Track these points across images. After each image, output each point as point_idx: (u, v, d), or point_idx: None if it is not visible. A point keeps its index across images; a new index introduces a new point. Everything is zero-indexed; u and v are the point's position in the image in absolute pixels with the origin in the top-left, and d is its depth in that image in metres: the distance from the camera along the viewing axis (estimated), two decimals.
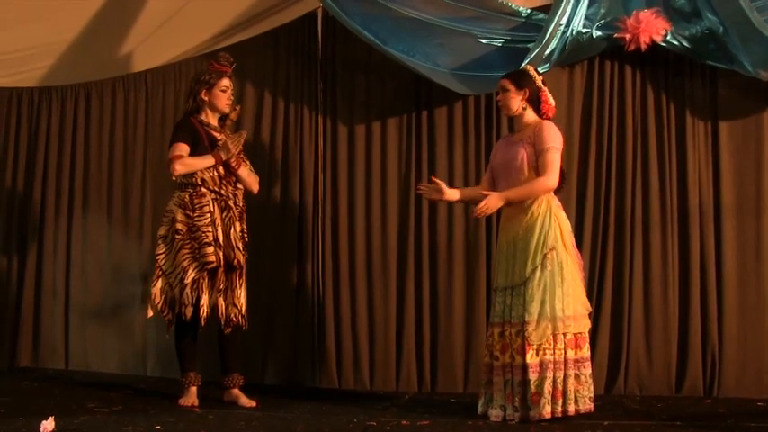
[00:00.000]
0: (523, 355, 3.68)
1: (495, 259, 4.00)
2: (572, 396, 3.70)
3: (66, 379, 4.91)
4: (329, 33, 4.90)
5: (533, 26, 4.50)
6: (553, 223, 3.76)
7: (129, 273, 5.15)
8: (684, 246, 4.54)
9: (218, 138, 4.12)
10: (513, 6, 4.58)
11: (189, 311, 3.98)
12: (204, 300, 3.99)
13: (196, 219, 4.01)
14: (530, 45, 4.41)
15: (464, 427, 3.55)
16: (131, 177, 5.19)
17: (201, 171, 4.05)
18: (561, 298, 3.70)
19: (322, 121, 4.93)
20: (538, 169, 3.78)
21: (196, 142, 4.06)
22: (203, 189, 4.04)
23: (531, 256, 3.72)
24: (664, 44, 4.46)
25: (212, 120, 4.18)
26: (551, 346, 3.68)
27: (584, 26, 4.43)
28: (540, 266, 3.71)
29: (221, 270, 4.03)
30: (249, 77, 4.99)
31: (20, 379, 4.85)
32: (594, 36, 4.47)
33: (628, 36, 4.43)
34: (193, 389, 4.12)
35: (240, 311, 4.08)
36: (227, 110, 4.18)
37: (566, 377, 3.70)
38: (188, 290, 3.96)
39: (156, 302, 4.05)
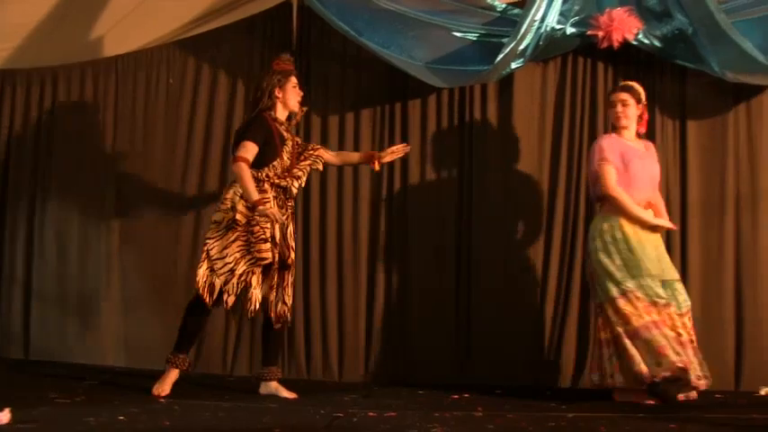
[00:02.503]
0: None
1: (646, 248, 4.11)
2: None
3: (26, 369, 4.81)
4: (304, 23, 4.88)
5: (508, 21, 4.52)
6: None
7: (95, 261, 5.07)
8: None
9: (286, 136, 4.12)
10: (488, 1, 4.60)
11: (231, 301, 4.00)
12: (253, 294, 4.00)
13: (257, 213, 3.99)
14: (504, 40, 4.43)
15: (431, 419, 3.54)
16: (98, 164, 5.11)
17: (268, 168, 4.03)
18: None
19: None
20: None
21: (268, 140, 4.04)
22: (266, 185, 4.03)
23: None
24: (635, 43, 4.52)
25: (282, 117, 4.16)
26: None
27: (558, 22, 4.46)
28: None
29: (275, 267, 4.04)
30: (223, 65, 4.95)
31: None
32: (568, 33, 4.51)
33: (601, 33, 4.48)
34: (175, 372, 4.07)
35: (289, 309, 4.12)
36: (296, 108, 4.17)
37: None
38: (234, 280, 3.97)
39: (200, 285, 4.02)
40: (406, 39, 4.55)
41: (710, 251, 4.59)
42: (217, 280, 4.00)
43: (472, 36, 4.58)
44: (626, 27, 4.45)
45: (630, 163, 4.11)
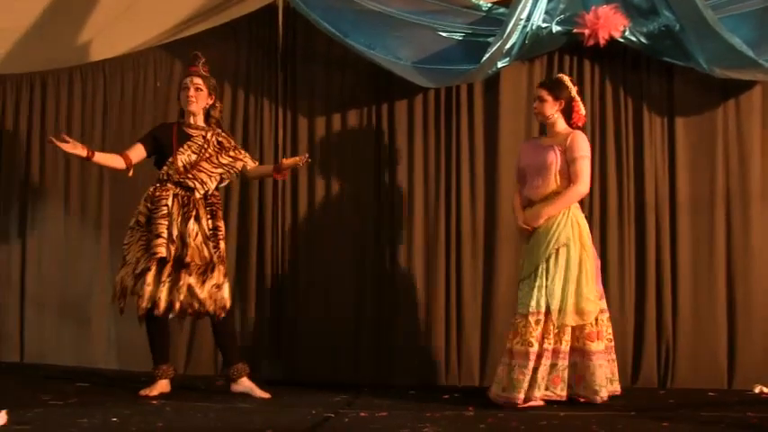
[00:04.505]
0: (529, 342, 3.84)
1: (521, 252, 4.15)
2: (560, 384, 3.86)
3: (20, 371, 4.83)
4: (289, 25, 4.88)
5: (494, 20, 4.52)
6: (570, 221, 3.94)
7: (87, 264, 5.08)
8: (641, 240, 4.61)
9: (193, 134, 4.19)
10: (474, 0, 4.59)
11: (141, 302, 4.00)
12: (146, 291, 3.98)
13: (153, 211, 4.08)
14: (490, 39, 4.43)
15: (422, 419, 3.56)
16: (88, 168, 5.11)
17: (166, 166, 4.13)
18: (568, 291, 3.88)
19: (282, 113, 4.91)
20: (569, 176, 3.97)
21: (159, 140, 4.19)
22: (168, 184, 4.12)
23: (544, 251, 3.90)
24: (622, 40, 4.52)
25: (192, 119, 4.23)
26: (551, 337, 3.86)
27: (543, 21, 4.46)
28: (552, 259, 3.90)
29: (169, 264, 4.02)
30: (209, 68, 4.94)
31: None
32: (554, 31, 4.51)
33: (587, 31, 4.48)
34: (162, 382, 4.13)
35: (199, 306, 4.03)
36: (188, 107, 4.20)
37: (553, 366, 3.86)
38: (140, 281, 4.00)
39: (116, 291, 4.10)
40: (391, 39, 4.55)
41: (701, 249, 4.59)
42: (129, 283, 4.04)
43: (458, 36, 4.58)
44: (612, 24, 4.45)
45: (521, 163, 4.15)
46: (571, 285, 3.88)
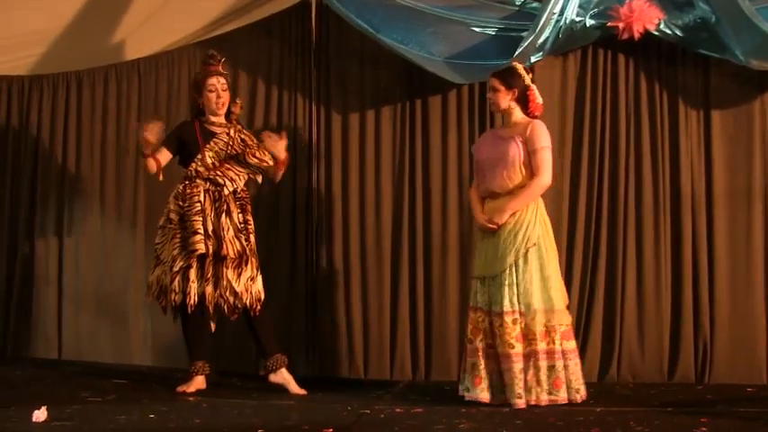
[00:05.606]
0: (510, 344, 3.73)
1: (476, 248, 4.05)
2: (562, 386, 3.76)
3: (58, 368, 4.90)
4: (323, 22, 4.89)
5: (527, 15, 4.50)
6: (539, 219, 3.85)
7: (123, 261, 5.13)
8: (677, 234, 4.57)
9: (218, 131, 4.22)
10: None
11: (178, 299, 4.06)
12: (192, 288, 4.03)
13: (186, 209, 4.11)
14: (523, 34, 4.41)
15: (458, 415, 3.56)
16: (124, 165, 5.18)
17: (195, 164, 4.16)
18: (547, 290, 3.79)
19: (316, 109, 4.92)
20: (531, 168, 3.85)
21: (184, 140, 4.22)
22: (197, 180, 4.16)
23: (515, 250, 3.80)
24: (657, 33, 4.47)
25: (216, 118, 4.26)
26: (537, 338, 3.75)
27: (577, 15, 4.44)
28: (522, 259, 3.79)
29: (209, 260, 4.07)
30: (242, 66, 4.98)
31: (11, 368, 4.83)
32: (588, 25, 4.48)
33: (621, 25, 4.44)
34: (198, 378, 4.18)
35: (235, 299, 4.06)
36: (218, 110, 4.24)
37: (551, 368, 3.75)
38: (178, 278, 4.05)
39: (153, 290, 4.16)
40: (424, 35, 4.55)
41: (738, 243, 4.53)
42: (166, 281, 4.09)
43: (491, 31, 4.57)
44: (647, 17, 4.41)
45: (476, 156, 4.06)
46: (547, 283, 3.78)
